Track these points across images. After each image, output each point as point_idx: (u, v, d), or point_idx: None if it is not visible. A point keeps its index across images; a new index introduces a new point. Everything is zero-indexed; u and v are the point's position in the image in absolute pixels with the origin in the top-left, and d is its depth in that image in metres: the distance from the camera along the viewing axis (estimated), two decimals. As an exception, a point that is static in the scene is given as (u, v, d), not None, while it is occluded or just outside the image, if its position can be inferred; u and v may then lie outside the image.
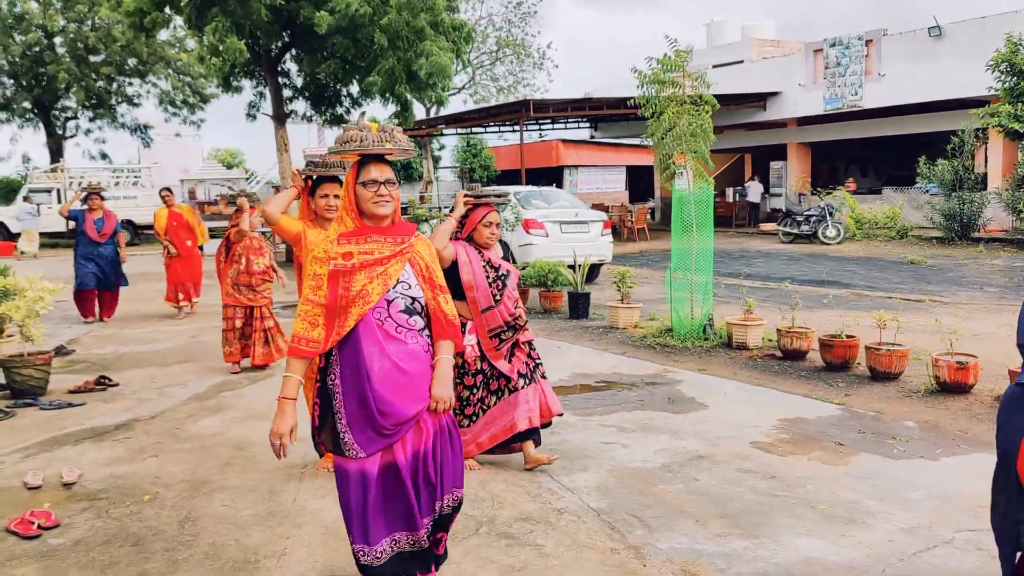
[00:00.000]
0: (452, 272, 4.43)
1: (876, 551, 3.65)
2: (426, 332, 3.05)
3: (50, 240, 25.94)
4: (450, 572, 3.51)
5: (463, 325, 4.54)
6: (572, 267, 10.89)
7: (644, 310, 10.07)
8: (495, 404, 4.69)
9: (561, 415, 4.93)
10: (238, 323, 7.76)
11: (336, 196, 4.23)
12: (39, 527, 4.05)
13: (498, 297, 4.56)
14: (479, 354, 4.65)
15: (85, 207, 10.86)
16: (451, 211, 4.66)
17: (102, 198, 10.95)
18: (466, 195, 4.61)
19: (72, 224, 11.36)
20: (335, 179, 4.44)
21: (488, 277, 4.56)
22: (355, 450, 2.95)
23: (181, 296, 11.32)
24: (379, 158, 2.99)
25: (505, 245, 4.89)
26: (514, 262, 12.93)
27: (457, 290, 4.38)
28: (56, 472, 4.87)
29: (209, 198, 29.73)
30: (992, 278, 13.15)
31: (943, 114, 21.64)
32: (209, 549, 3.82)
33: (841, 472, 4.67)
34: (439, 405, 3.02)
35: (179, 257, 11.22)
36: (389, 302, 2.95)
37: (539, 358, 4.90)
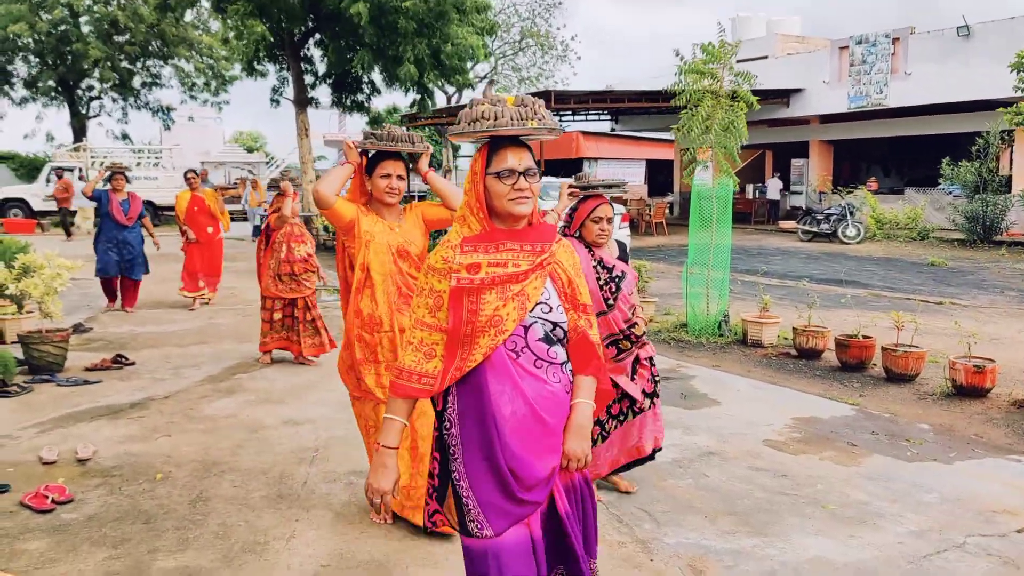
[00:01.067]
0: None
1: (885, 553, 3.63)
2: (568, 366, 2.40)
3: (71, 219, 26.17)
4: (456, 560, 3.51)
5: None
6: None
7: (659, 304, 10.04)
8: (615, 429, 4.15)
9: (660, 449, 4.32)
10: (276, 315, 7.36)
11: (400, 177, 3.66)
12: (53, 501, 4.10)
13: (611, 302, 3.97)
14: None
15: (108, 187, 10.14)
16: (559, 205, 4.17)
17: (127, 179, 10.27)
18: (571, 186, 4.07)
19: (95, 205, 10.78)
20: (397, 155, 3.71)
21: (599, 279, 3.98)
22: (482, 526, 2.27)
23: (202, 284, 10.72)
24: (516, 141, 2.35)
25: (622, 245, 4.30)
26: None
27: None
28: (71, 448, 4.92)
29: (229, 181, 29.89)
30: (1014, 282, 13.00)
31: (969, 115, 21.37)
32: (219, 529, 3.85)
33: (853, 473, 4.64)
34: (572, 463, 2.35)
35: (197, 244, 10.62)
36: (526, 328, 2.30)
37: (659, 375, 4.34)
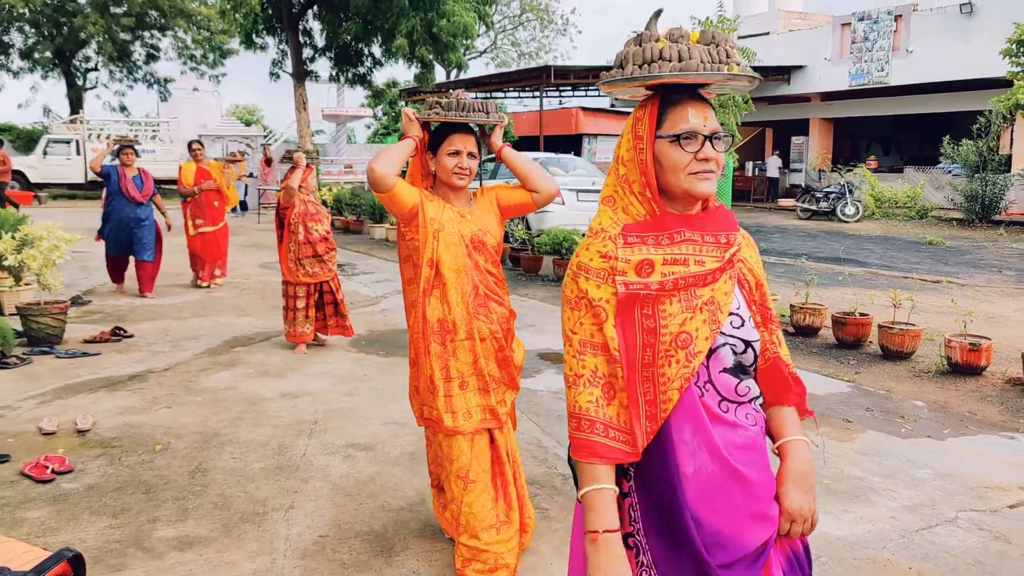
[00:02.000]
0: None
1: (878, 527, 3.67)
2: (760, 402, 1.82)
3: (67, 191, 26.12)
4: (454, 531, 3.56)
5: None
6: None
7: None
8: None
9: None
10: (300, 303, 6.81)
11: (472, 154, 3.02)
12: (53, 472, 4.13)
13: None
14: None
15: (117, 162, 9.47)
16: None
17: (136, 152, 9.62)
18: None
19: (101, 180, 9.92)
20: (467, 128, 3.05)
21: None
22: None
23: (213, 272, 10.20)
24: (697, 94, 1.74)
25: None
26: (529, 229, 12.99)
27: None
28: (70, 419, 4.95)
29: (226, 154, 29.74)
30: (1011, 261, 13.02)
31: (970, 93, 21.28)
32: (218, 500, 3.89)
33: (847, 448, 4.68)
34: (796, 525, 1.76)
35: (200, 235, 10.04)
36: (709, 354, 1.70)
37: None
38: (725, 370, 1.72)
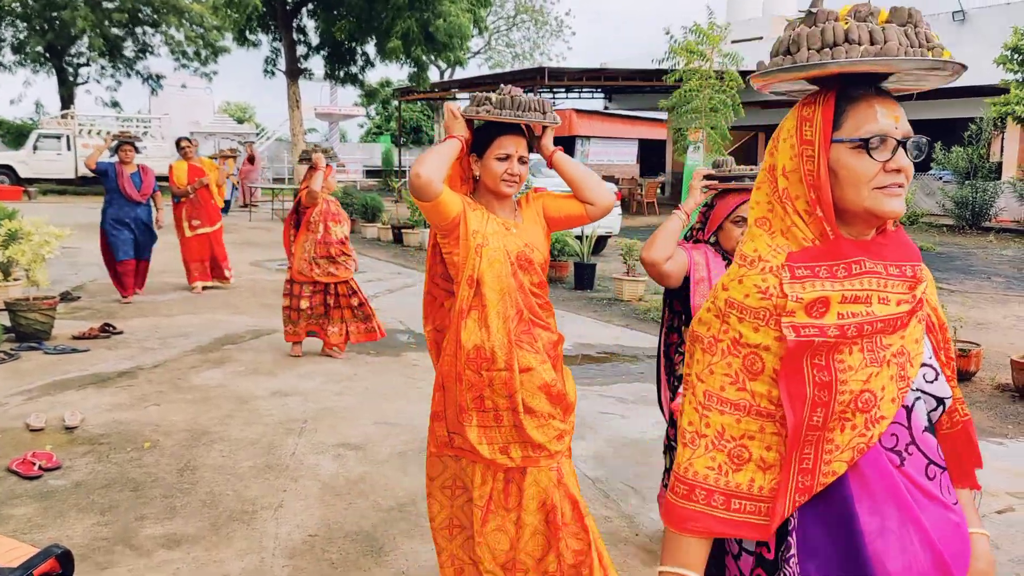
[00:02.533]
0: (682, 296, 2.98)
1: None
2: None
3: (57, 187, 25.97)
4: (444, 531, 3.55)
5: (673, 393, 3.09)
6: (579, 237, 10.87)
7: (649, 283, 10.06)
8: None
9: None
10: (304, 303, 6.53)
11: (523, 159, 2.64)
12: (40, 468, 4.10)
13: None
14: None
15: (115, 159, 8.94)
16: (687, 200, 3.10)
17: (136, 149, 9.04)
18: (708, 176, 3.02)
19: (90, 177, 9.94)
20: (518, 129, 2.67)
21: None
22: None
23: (207, 273, 9.76)
24: (882, 91, 1.43)
25: None
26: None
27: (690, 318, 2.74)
28: (58, 415, 4.92)
29: (216, 151, 29.63)
30: (1000, 268, 13.09)
31: (962, 100, 21.38)
32: (207, 498, 3.87)
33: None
34: None
35: (195, 236, 9.60)
36: (908, 411, 1.37)
37: None
38: (926, 429, 1.38)
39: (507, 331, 2.59)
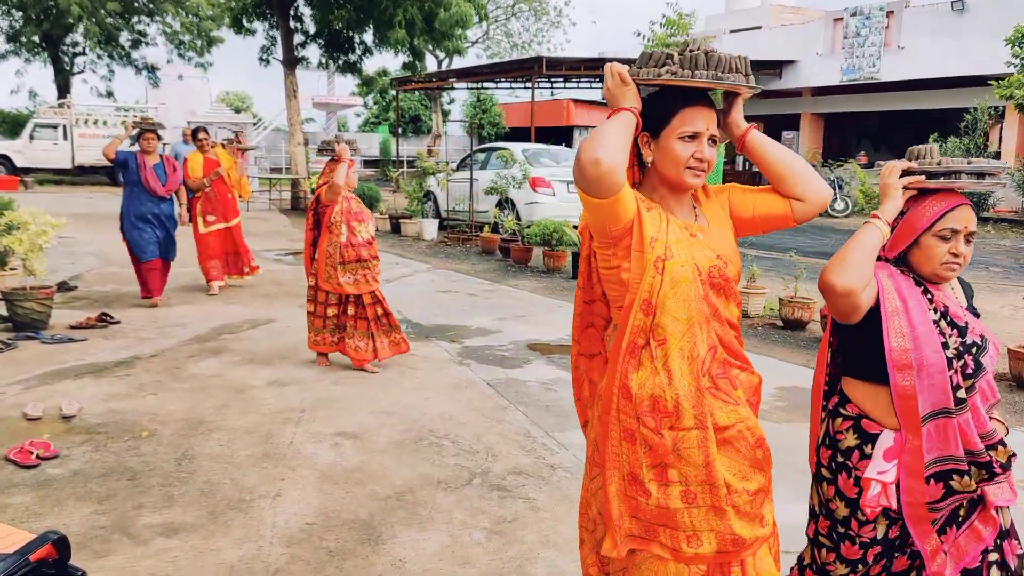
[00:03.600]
0: (869, 328, 2.13)
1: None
2: None
3: (54, 177, 25.91)
4: (441, 520, 3.56)
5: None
6: (576, 226, 10.86)
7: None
8: None
9: None
10: (331, 311, 5.93)
11: (714, 139, 2.00)
12: (38, 457, 4.10)
13: (962, 393, 2.10)
14: (890, 502, 2.13)
15: (136, 148, 8.09)
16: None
17: (159, 137, 8.16)
18: (908, 171, 2.15)
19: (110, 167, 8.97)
20: (707, 100, 2.01)
21: (946, 345, 2.10)
22: None
23: (222, 272, 9.03)
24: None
25: (966, 285, 2.42)
26: (519, 220, 12.96)
27: (874, 362, 2.14)
28: (56, 405, 4.91)
29: (223, 140, 29.54)
30: (998, 258, 13.10)
31: (962, 90, 21.35)
32: (204, 487, 3.87)
33: (834, 442, 4.70)
34: None
35: (213, 233, 8.90)
36: None
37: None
38: None
39: (696, 375, 1.94)
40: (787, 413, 5.20)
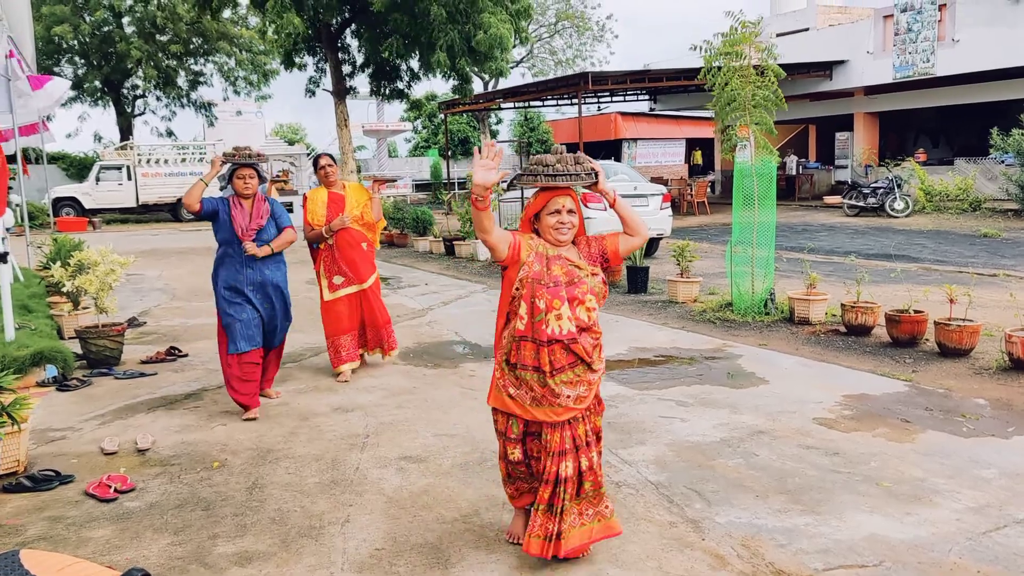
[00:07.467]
0: None
1: (943, 529, 3.57)
2: None
3: (120, 216, 26.81)
4: (508, 541, 3.55)
5: None
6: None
7: (704, 284, 9.95)
8: None
9: None
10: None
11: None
12: (116, 491, 4.22)
13: None
14: None
15: (230, 192, 5.68)
16: None
17: (261, 176, 5.68)
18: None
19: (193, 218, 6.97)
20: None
21: None
22: None
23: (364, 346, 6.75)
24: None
25: None
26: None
27: None
28: (131, 438, 5.06)
29: (271, 175, 30.19)
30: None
31: (1020, 81, 20.74)
32: (275, 515, 3.94)
33: (907, 449, 4.57)
34: None
35: (342, 299, 6.53)
36: None
37: None
38: None
39: None
40: (855, 422, 5.08)
